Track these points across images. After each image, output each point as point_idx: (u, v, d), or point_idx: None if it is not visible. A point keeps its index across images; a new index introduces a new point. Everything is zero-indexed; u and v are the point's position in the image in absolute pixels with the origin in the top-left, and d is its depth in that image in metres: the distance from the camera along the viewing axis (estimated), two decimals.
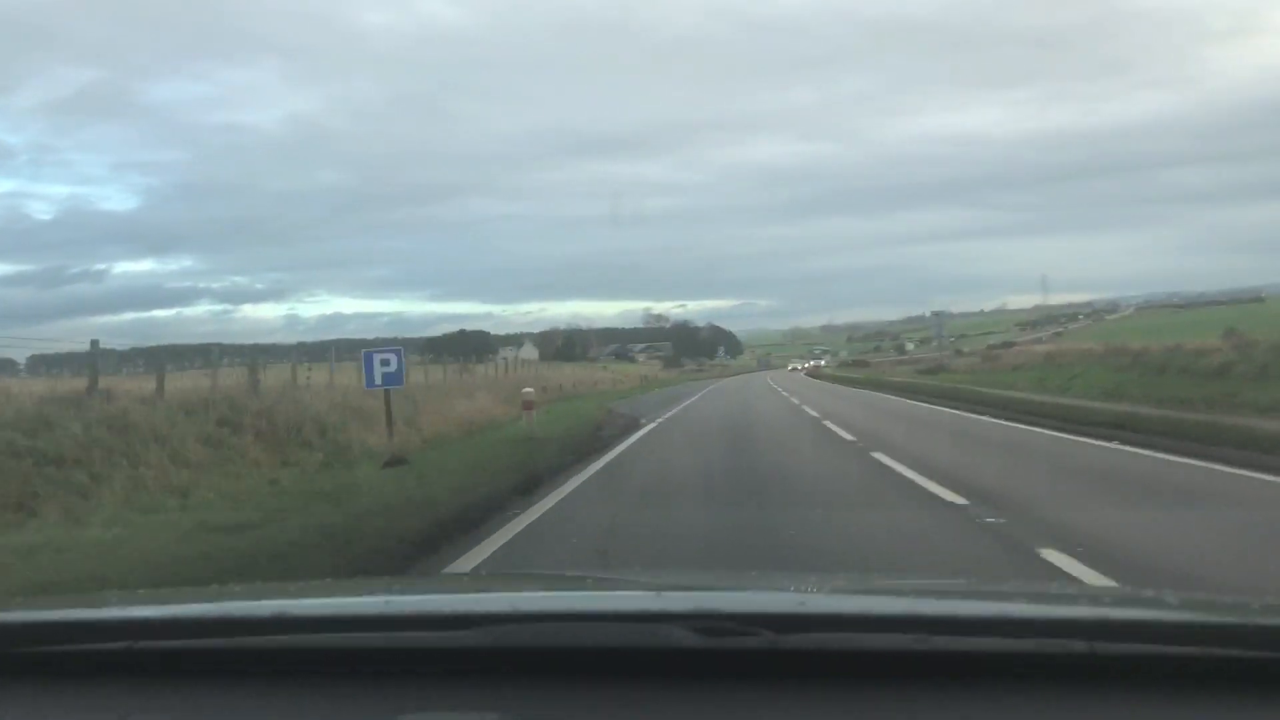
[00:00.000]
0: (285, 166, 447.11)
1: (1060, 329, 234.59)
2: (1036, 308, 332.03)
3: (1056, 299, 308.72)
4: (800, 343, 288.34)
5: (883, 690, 1.45)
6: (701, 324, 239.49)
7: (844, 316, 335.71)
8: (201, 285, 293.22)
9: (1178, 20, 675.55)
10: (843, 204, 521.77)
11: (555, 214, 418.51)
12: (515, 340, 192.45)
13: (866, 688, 1.47)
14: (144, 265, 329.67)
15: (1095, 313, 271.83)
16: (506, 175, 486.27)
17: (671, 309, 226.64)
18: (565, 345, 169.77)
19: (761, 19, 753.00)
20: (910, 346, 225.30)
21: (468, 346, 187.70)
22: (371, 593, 2.48)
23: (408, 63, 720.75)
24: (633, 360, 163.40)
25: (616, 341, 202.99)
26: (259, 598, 2.30)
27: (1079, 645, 1.48)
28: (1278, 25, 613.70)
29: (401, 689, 1.52)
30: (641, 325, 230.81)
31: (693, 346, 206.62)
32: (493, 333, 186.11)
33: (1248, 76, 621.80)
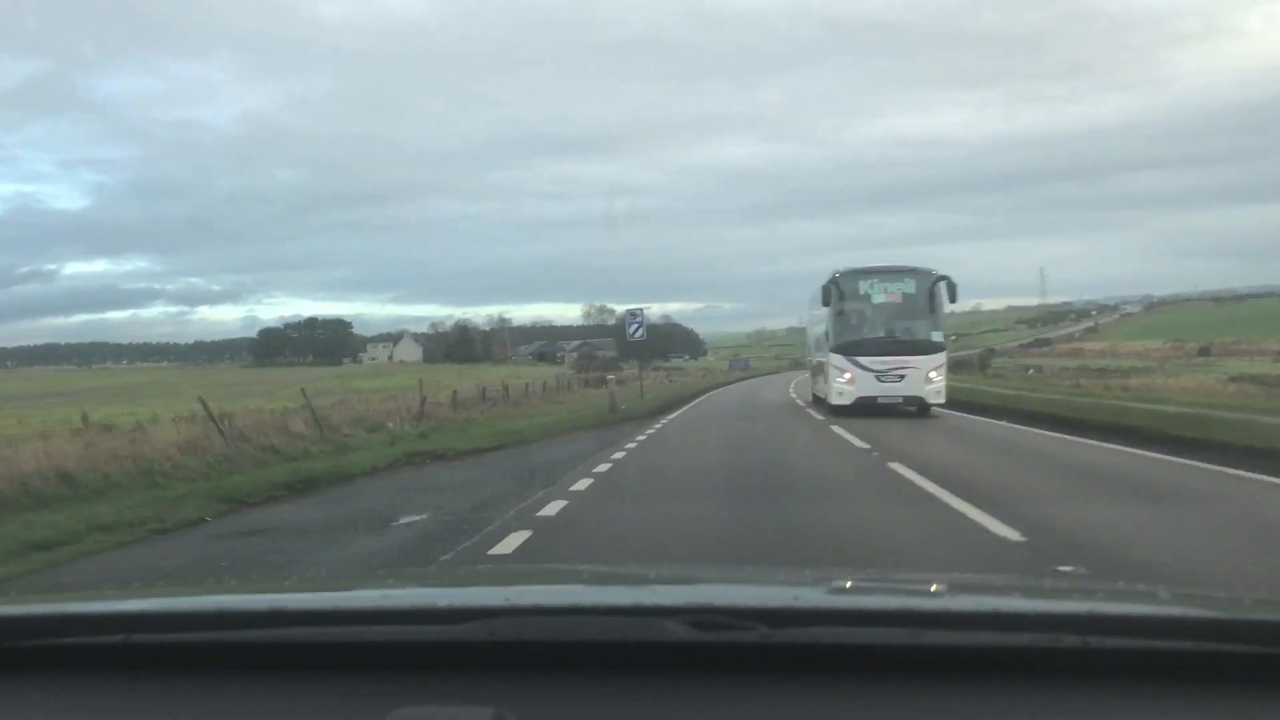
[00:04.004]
0: (241, 165, 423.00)
1: (1091, 325, 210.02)
2: (1010, 309, 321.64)
3: (1031, 301, 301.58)
4: (765, 344, 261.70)
5: (876, 685, 1.45)
6: (657, 319, 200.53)
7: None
8: (157, 286, 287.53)
9: (1145, 22, 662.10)
10: (808, 206, 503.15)
11: (518, 215, 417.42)
12: (392, 336, 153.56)
13: (860, 682, 1.46)
14: (97, 266, 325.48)
15: (1104, 310, 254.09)
16: (469, 175, 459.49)
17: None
18: (460, 343, 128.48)
19: (726, 16, 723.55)
20: None
21: (319, 343, 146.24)
22: (367, 586, 2.36)
23: (366, 58, 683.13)
24: (558, 361, 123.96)
25: (543, 338, 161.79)
26: (255, 591, 2.33)
27: (1072, 640, 1.46)
28: (1245, 28, 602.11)
29: (396, 682, 1.52)
30: (583, 322, 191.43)
31: (644, 345, 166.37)
32: (358, 331, 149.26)
33: (1215, 80, 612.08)
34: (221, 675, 1.58)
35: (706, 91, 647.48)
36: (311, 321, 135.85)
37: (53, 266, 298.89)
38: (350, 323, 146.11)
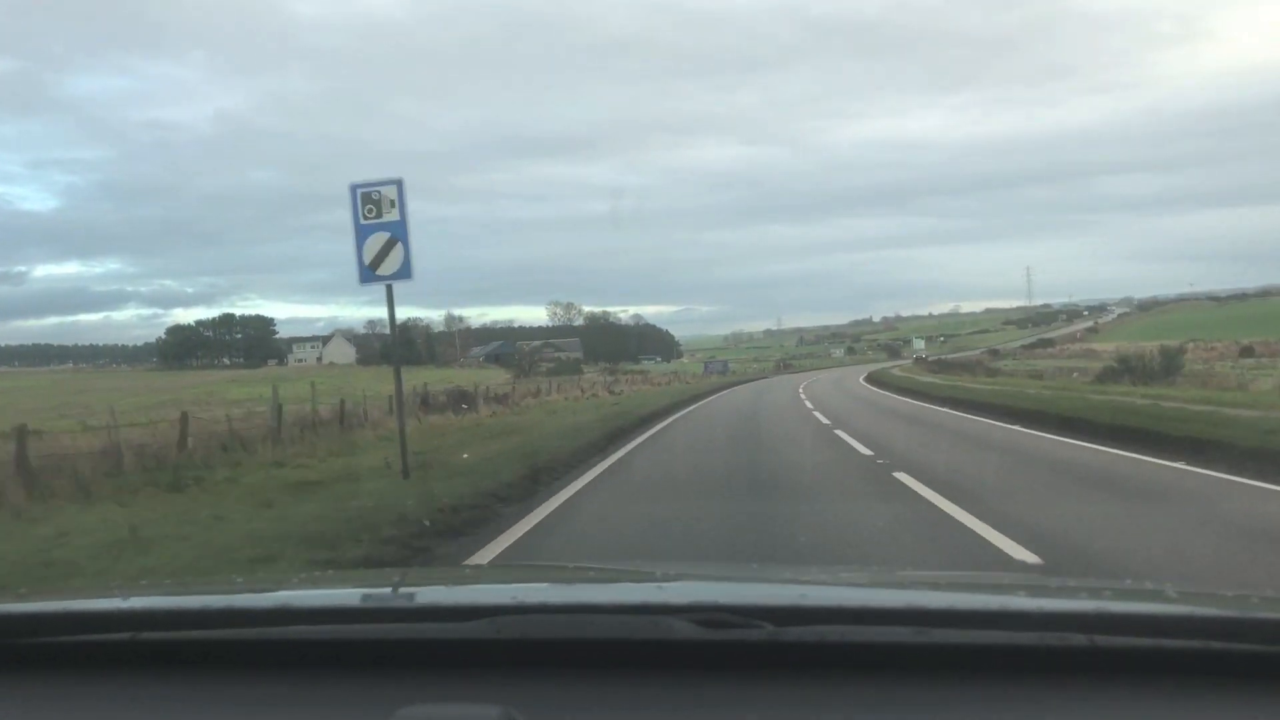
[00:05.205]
0: (215, 165, 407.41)
1: (1091, 325, 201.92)
2: (988, 311, 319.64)
3: (1008, 303, 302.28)
4: (743, 346, 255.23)
5: (882, 683, 1.45)
6: (626, 319, 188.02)
7: (789, 321, 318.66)
8: (129, 289, 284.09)
9: (1124, 24, 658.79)
10: (787, 209, 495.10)
11: (496, 217, 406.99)
12: (318, 338, 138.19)
13: (866, 680, 1.46)
14: (68, 268, 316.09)
15: (1094, 310, 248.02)
16: (446, 176, 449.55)
17: (616, 313, 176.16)
18: (401, 343, 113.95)
19: (705, 17, 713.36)
20: (919, 344, 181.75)
21: (238, 344, 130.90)
22: (374, 585, 2.29)
23: (342, 57, 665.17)
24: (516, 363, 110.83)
25: (502, 339, 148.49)
26: (263, 589, 2.31)
27: (1078, 638, 1.46)
28: (1222, 31, 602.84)
29: (403, 680, 1.53)
30: (549, 321, 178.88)
31: (614, 347, 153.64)
32: (278, 333, 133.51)
33: (1191, 83, 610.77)
34: (228, 673, 1.57)
35: (685, 93, 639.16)
36: (228, 319, 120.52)
37: (23, 268, 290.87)
38: (272, 320, 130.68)
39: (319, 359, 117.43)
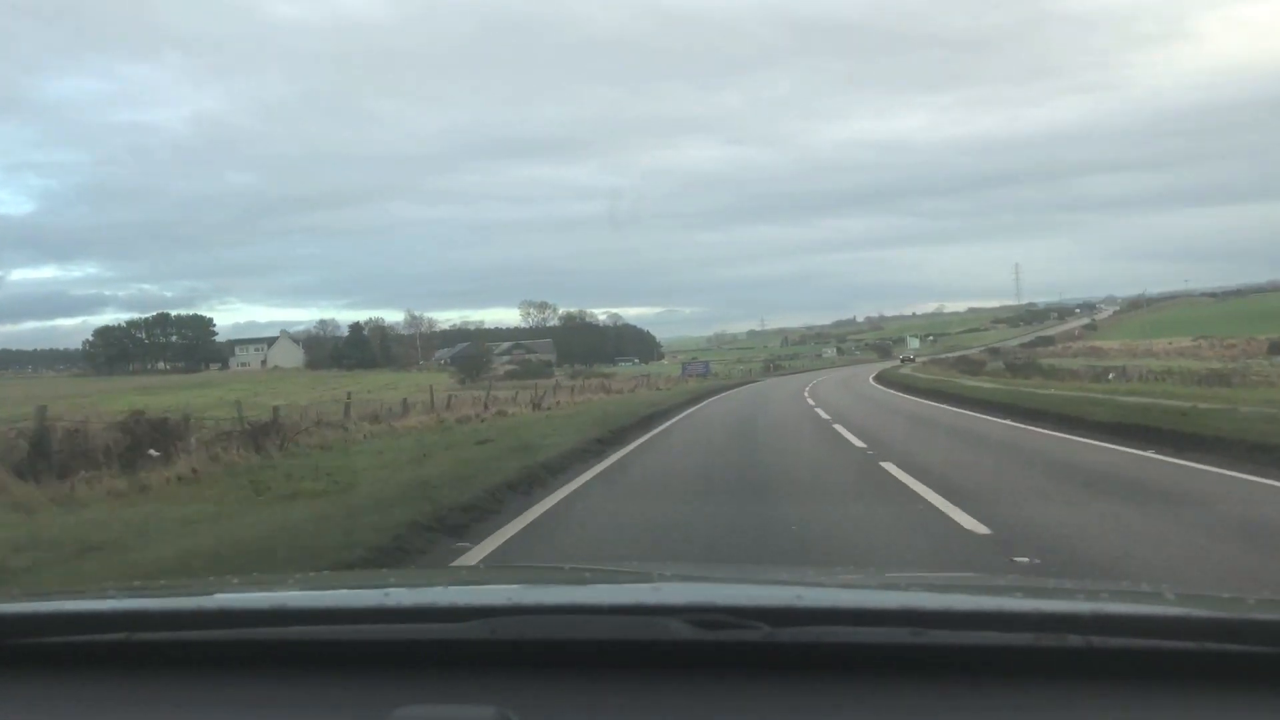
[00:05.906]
0: (193, 168, 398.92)
1: (1088, 322, 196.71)
2: (971, 310, 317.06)
3: (993, 302, 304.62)
4: (726, 347, 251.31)
5: (879, 684, 1.45)
6: (604, 319, 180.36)
7: (772, 322, 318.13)
8: (108, 293, 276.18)
9: (1105, 24, 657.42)
10: (770, 210, 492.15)
11: (478, 219, 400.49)
12: (264, 341, 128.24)
13: (862, 681, 1.47)
14: (45, 272, 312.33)
15: (1085, 308, 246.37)
16: (427, 178, 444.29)
17: (594, 314, 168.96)
18: (351, 346, 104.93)
19: (688, 18, 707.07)
20: (914, 343, 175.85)
21: (174, 347, 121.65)
22: (369, 585, 2.31)
23: (321, 58, 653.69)
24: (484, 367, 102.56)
25: (467, 339, 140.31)
26: (257, 590, 2.30)
27: (1075, 640, 1.47)
28: (1203, 31, 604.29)
29: (399, 681, 1.54)
30: (521, 322, 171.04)
31: (590, 348, 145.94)
32: (217, 336, 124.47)
33: (1173, 83, 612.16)
34: (224, 674, 1.58)
35: (668, 94, 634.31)
36: (163, 319, 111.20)
37: None
38: (211, 320, 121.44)
39: (263, 362, 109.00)
